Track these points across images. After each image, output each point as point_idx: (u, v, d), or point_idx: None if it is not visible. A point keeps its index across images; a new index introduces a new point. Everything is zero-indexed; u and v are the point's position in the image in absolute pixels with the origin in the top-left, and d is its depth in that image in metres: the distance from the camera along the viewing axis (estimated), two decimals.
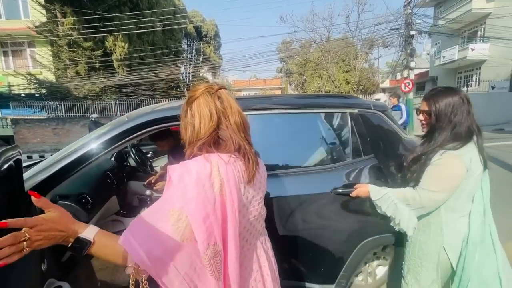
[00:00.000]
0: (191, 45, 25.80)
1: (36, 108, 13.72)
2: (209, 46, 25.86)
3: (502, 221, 2.91)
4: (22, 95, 14.01)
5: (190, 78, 23.19)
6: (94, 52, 13.84)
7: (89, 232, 0.64)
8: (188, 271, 0.64)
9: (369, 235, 1.55)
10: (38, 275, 0.93)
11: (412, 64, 10.88)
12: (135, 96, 14.80)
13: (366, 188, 1.31)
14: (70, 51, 13.53)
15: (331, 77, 21.05)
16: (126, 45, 14.67)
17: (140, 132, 1.44)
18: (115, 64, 14.68)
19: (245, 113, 0.85)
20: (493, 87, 13.32)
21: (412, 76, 11.37)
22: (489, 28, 14.35)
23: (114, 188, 1.98)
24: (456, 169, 1.03)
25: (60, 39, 13.21)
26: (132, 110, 5.63)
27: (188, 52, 25.45)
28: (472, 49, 14.67)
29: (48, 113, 13.51)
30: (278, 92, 28.87)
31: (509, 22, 13.18)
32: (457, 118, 1.06)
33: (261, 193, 0.83)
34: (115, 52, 14.57)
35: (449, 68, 17.53)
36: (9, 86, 13.70)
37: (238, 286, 0.71)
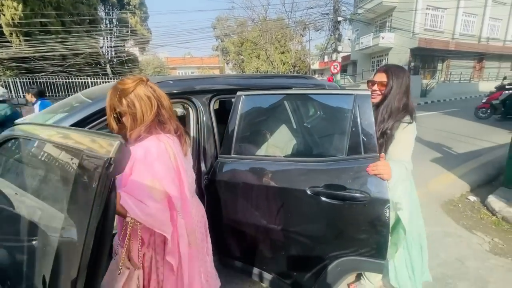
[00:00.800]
0: (111, 13, 22.00)
1: None
2: (134, 17, 22.56)
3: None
4: None
5: (113, 53, 20.08)
6: None
7: None
8: (167, 218, 0.93)
9: (346, 253, 1.23)
10: None
11: (340, 48, 12.20)
12: (43, 74, 12.04)
13: (389, 168, 1.08)
14: None
15: (269, 58, 21.61)
16: (20, 6, 11.48)
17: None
18: (6, 30, 11.42)
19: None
20: None
21: (339, 59, 12.78)
22: (394, 20, 17.05)
23: None
24: (413, 140, 1.26)
25: None
26: (44, 89, 4.61)
27: (107, 22, 21.67)
28: (383, 38, 17.26)
29: None
30: (217, 72, 28.00)
31: (408, 16, 15.95)
32: (407, 91, 1.29)
33: (191, 163, 1.19)
34: (4, 15, 11.26)
35: (365, 53, 20.28)
36: None
37: (193, 220, 1.08)
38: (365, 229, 1.15)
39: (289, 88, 1.79)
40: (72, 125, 1.17)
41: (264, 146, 1.55)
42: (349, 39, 24.52)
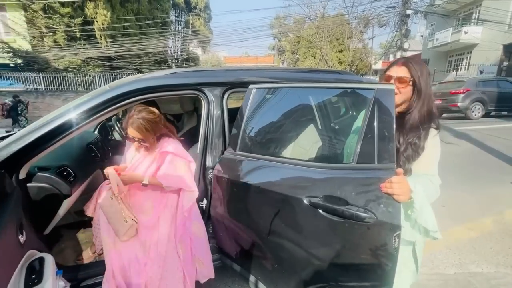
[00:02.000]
0: (180, 16, 24.31)
1: (12, 79, 12.84)
2: (199, 19, 24.46)
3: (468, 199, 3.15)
4: None
5: (179, 52, 22.14)
6: (73, 20, 12.82)
7: (146, 178, 1.38)
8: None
9: (341, 281, 1.04)
10: (15, 246, 0.90)
11: (406, 45, 10.81)
12: (120, 70, 14.08)
13: (407, 188, 0.84)
14: (46, 17, 12.46)
15: (324, 56, 20.67)
16: (109, 13, 13.64)
17: (123, 103, 1.36)
18: (97, 34, 13.71)
19: None
20: (481, 72, 13.50)
21: None
22: (484, 10, 14.22)
23: (99, 162, 1.91)
24: (439, 150, 0.99)
25: (34, 3, 12.07)
26: None
27: (176, 24, 24.03)
28: (466, 32, 14.60)
29: (26, 85, 12.71)
30: None
31: (503, 5, 13.09)
32: (430, 91, 0.98)
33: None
34: (97, 21, 13.55)
35: (441, 51, 17.51)
36: None
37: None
38: (365, 257, 0.93)
39: (313, 82, 1.62)
40: (87, 109, 1.28)
41: (269, 145, 1.42)
42: (421, 36, 21.58)
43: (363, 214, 0.89)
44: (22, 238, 0.94)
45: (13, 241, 0.88)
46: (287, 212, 1.13)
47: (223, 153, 1.50)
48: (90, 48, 13.42)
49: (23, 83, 12.76)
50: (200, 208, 1.55)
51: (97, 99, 1.32)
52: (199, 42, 25.26)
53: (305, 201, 1.04)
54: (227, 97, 1.58)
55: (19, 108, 9.63)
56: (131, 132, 1.35)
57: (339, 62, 21.25)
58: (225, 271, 1.67)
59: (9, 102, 9.52)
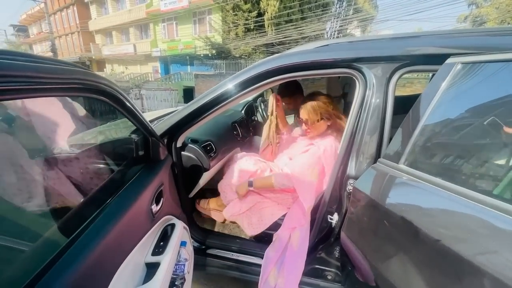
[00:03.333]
0: None
1: (209, 66, 17.45)
2: None
3: None
4: (201, 55, 18.12)
5: (336, 35, 21.19)
6: (250, 14, 15.23)
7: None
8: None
9: None
10: (148, 213, 0.97)
11: None
12: None
13: None
14: (233, 14, 15.57)
15: None
16: (277, 3, 15.00)
17: (260, 83, 1.21)
18: (266, 23, 15.58)
19: None
20: None
21: None
22: None
23: (239, 140, 2.00)
24: None
25: (227, 4, 15.35)
26: None
27: (337, 6, 22.83)
28: None
29: (215, 70, 16.90)
30: None
31: None
32: None
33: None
34: (267, 12, 15.33)
35: None
36: (195, 48, 18.02)
37: None
38: None
39: None
40: (235, 86, 1.24)
41: (473, 170, 0.77)
42: None
43: None
44: (155, 207, 1.01)
45: (147, 207, 0.96)
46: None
47: (375, 161, 1.04)
48: (259, 37, 15.55)
49: (214, 68, 17.04)
50: (329, 223, 1.21)
51: (236, 80, 1.25)
52: (359, 22, 22.81)
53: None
54: (397, 79, 1.06)
55: None
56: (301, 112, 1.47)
57: None
58: None
59: None
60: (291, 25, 15.27)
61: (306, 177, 1.34)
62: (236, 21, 15.66)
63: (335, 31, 21.43)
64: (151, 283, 0.80)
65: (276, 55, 1.30)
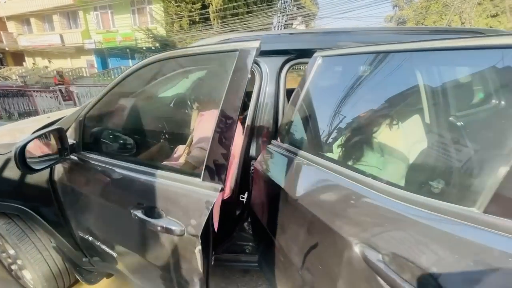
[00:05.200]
0: None
1: None
2: None
3: None
4: (144, 48, 16.86)
5: (282, 29, 21.95)
6: (194, 5, 14.71)
7: None
8: None
9: None
10: None
11: None
12: None
13: None
14: (176, 5, 14.83)
15: (464, 24, 15.50)
16: None
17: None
18: (211, 16, 15.27)
19: None
20: None
21: None
22: None
23: None
24: None
25: None
26: None
27: (282, 1, 23.59)
28: None
29: None
30: None
31: None
32: None
33: None
34: (212, 4, 15.02)
35: None
36: (136, 40, 16.66)
37: None
38: None
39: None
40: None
41: (332, 145, 0.98)
42: None
43: None
44: None
45: None
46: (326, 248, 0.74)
47: (270, 142, 1.20)
48: (204, 30, 15.18)
49: None
50: (241, 202, 1.35)
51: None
52: (303, 18, 24.02)
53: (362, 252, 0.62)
54: (287, 71, 1.22)
55: None
56: None
57: None
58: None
59: None
60: (237, 19, 15.28)
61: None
62: (180, 12, 14.97)
63: (281, 26, 22.17)
64: None
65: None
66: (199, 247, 0.74)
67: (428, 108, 0.90)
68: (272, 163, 1.06)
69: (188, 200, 0.78)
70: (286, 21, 22.48)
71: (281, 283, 1.08)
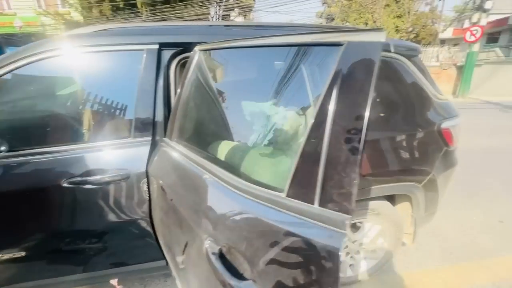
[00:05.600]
0: None
1: None
2: None
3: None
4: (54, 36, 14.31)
5: (220, 20, 21.45)
6: None
7: None
8: None
9: None
10: None
11: (488, 5, 8.45)
12: None
13: None
14: None
15: (376, 23, 17.90)
16: None
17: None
18: (139, 3, 13.86)
19: None
20: None
21: (483, 22, 8.95)
22: None
23: None
24: None
25: None
26: None
27: None
28: None
29: None
30: None
31: None
32: None
33: None
34: None
35: None
36: (43, 26, 13.97)
37: None
38: None
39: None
40: None
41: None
42: None
43: None
44: None
45: None
46: None
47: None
48: (132, 18, 13.73)
49: None
50: None
51: None
52: (240, 10, 23.92)
53: None
54: (177, 63, 1.16)
55: None
56: None
57: (396, 30, 18.19)
58: None
59: None
60: (168, 7, 14.25)
61: None
62: None
63: (219, 16, 21.64)
64: None
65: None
66: None
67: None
68: (157, 162, 1.01)
69: None
70: (224, 12, 22.07)
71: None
